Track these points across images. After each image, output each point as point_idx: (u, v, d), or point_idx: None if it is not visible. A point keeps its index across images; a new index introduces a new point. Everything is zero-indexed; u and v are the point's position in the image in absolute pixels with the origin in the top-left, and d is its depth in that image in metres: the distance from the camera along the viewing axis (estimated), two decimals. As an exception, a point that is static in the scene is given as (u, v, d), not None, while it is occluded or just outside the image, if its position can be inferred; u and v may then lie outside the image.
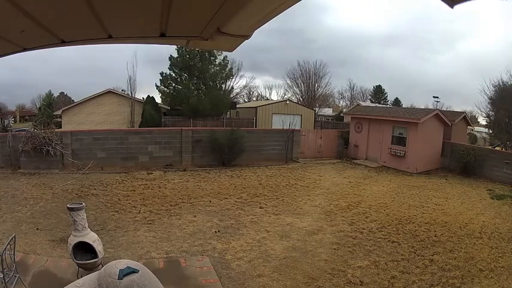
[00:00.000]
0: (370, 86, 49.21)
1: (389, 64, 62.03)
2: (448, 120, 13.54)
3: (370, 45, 63.50)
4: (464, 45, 62.07)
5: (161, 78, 24.27)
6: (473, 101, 60.20)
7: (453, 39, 64.20)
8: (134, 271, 1.52)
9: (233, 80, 31.59)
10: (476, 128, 28.62)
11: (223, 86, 25.60)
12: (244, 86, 42.51)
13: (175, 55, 23.50)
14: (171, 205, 7.49)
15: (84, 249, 4.08)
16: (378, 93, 48.05)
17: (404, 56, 62.84)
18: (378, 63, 62.84)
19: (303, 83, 41.25)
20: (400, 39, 63.76)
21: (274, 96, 48.51)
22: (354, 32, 63.44)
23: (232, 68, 27.60)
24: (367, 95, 48.22)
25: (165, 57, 28.99)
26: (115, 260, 1.63)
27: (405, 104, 44.29)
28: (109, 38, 1.34)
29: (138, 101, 22.81)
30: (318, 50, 60.53)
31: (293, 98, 39.62)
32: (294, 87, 42.75)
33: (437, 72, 60.24)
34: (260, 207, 7.58)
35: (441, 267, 4.98)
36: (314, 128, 23.90)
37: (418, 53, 63.60)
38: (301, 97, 40.96)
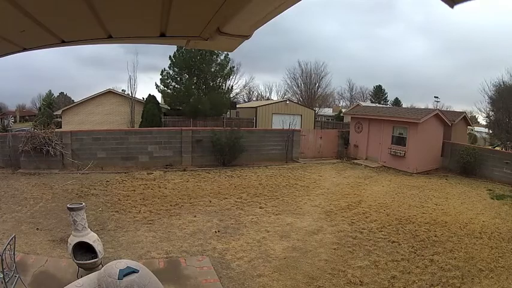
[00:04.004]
0: (369, 85, 48.91)
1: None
2: (448, 120, 13.55)
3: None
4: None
5: (161, 77, 24.23)
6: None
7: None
8: (134, 271, 1.52)
9: (233, 79, 31.53)
10: (476, 128, 28.62)
11: (223, 85, 25.54)
12: (244, 86, 42.45)
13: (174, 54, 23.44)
14: (171, 205, 7.49)
15: (84, 249, 4.08)
16: (378, 93, 48.17)
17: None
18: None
19: (303, 83, 41.31)
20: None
21: (274, 96, 48.52)
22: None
23: (233, 66, 27.50)
24: (367, 95, 48.32)
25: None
26: (115, 260, 1.63)
27: (405, 104, 44.22)
28: (109, 38, 1.35)
29: (138, 100, 22.80)
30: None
31: (293, 98, 39.62)
32: (294, 87, 42.82)
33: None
34: (260, 207, 7.58)
35: (441, 267, 4.98)
36: (314, 128, 23.90)
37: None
38: (301, 97, 40.97)
